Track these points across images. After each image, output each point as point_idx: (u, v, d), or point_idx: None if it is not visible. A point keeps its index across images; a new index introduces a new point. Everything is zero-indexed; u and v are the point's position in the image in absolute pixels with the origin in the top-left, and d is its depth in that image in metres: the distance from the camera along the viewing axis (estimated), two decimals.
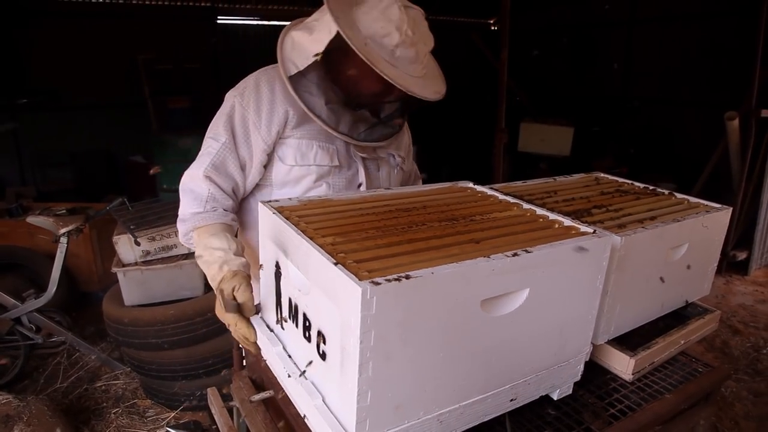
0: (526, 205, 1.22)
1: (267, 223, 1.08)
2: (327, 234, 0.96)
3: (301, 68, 1.34)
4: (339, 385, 0.84)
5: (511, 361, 0.97)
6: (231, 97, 1.44)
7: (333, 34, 1.24)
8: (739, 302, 4.24)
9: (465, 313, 0.86)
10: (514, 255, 0.89)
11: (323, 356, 0.89)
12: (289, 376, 1.01)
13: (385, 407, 0.82)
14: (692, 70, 6.24)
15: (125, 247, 2.79)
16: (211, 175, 1.38)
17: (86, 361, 3.24)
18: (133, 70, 6.20)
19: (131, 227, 2.77)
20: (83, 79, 6.12)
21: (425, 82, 1.35)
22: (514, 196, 1.28)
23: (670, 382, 1.28)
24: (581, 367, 1.12)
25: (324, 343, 0.88)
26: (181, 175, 1.45)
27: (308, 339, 0.95)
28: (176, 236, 2.79)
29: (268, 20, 7.34)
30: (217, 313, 1.26)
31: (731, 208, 1.38)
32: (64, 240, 2.92)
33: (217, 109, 1.46)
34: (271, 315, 1.14)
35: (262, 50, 7.41)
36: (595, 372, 1.25)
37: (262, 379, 1.26)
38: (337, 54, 1.30)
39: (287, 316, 1.04)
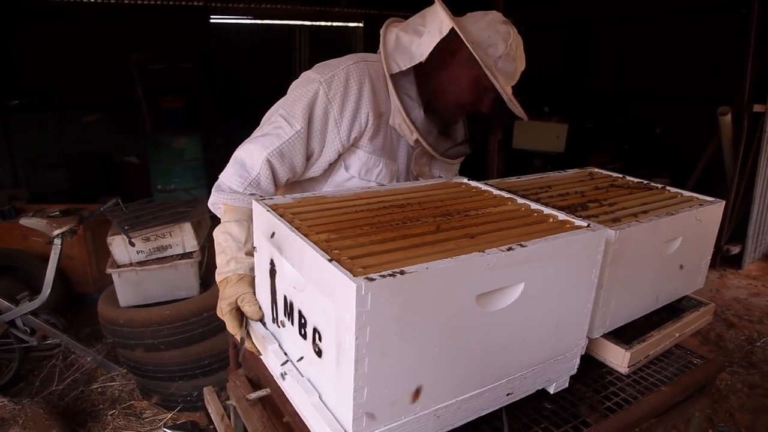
0: (520, 200, 1.22)
1: (261, 221, 1.08)
2: (321, 231, 0.96)
3: (404, 68, 1.32)
4: (335, 382, 0.84)
5: (507, 355, 0.98)
6: (315, 82, 1.33)
7: (444, 34, 1.25)
8: (733, 296, 4.27)
9: (460, 308, 0.86)
10: (509, 249, 0.89)
11: (319, 353, 0.89)
12: (285, 373, 1.00)
13: (381, 403, 0.82)
14: (685, 66, 6.27)
15: (120, 247, 2.78)
16: (274, 161, 1.29)
17: (82, 363, 3.23)
18: (126, 70, 6.17)
19: (125, 228, 2.75)
20: (76, 79, 6.09)
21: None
22: (509, 191, 1.28)
23: (665, 374, 1.29)
24: (577, 360, 1.13)
25: (320, 340, 0.88)
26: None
27: (304, 336, 0.94)
28: (171, 236, 2.83)
29: (261, 19, 7.33)
30: (218, 313, 1.24)
31: (724, 202, 1.39)
32: (57, 242, 2.90)
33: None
34: (266, 313, 1.13)
35: (255, 49, 7.41)
36: (590, 365, 1.26)
37: (259, 377, 1.26)
38: (444, 55, 1.30)
39: (283, 314, 1.04)
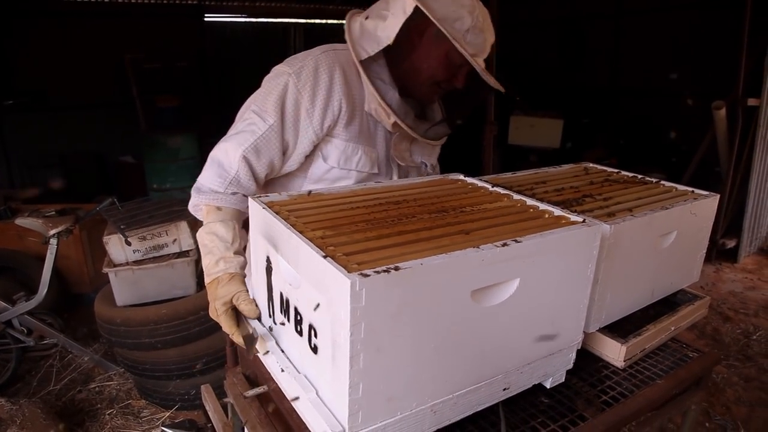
0: (516, 196, 1.22)
1: (257, 219, 1.08)
2: (317, 228, 0.96)
3: (372, 53, 1.32)
4: (331, 378, 0.84)
5: (503, 350, 0.98)
6: (284, 74, 1.33)
7: (408, 14, 1.24)
8: (729, 289, 4.29)
9: (455, 303, 0.86)
10: (504, 245, 0.89)
11: (315, 350, 0.89)
12: (282, 370, 1.01)
13: (377, 399, 0.83)
14: (680, 61, 6.27)
15: (116, 247, 2.77)
16: (250, 157, 1.28)
17: (79, 362, 3.22)
18: (121, 70, 6.15)
19: (121, 227, 2.74)
20: (71, 79, 6.06)
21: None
22: (504, 187, 1.28)
23: (661, 368, 1.29)
24: (573, 355, 1.13)
25: (315, 336, 0.88)
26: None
27: (300, 333, 0.95)
28: (167, 235, 2.83)
29: (256, 17, 7.31)
30: (211, 315, 1.23)
31: (718, 195, 1.39)
32: (53, 241, 2.89)
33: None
34: (262, 311, 1.13)
35: (249, 47, 7.39)
36: (587, 360, 1.26)
37: (256, 374, 1.26)
38: (411, 35, 1.29)
39: (279, 312, 1.04)
